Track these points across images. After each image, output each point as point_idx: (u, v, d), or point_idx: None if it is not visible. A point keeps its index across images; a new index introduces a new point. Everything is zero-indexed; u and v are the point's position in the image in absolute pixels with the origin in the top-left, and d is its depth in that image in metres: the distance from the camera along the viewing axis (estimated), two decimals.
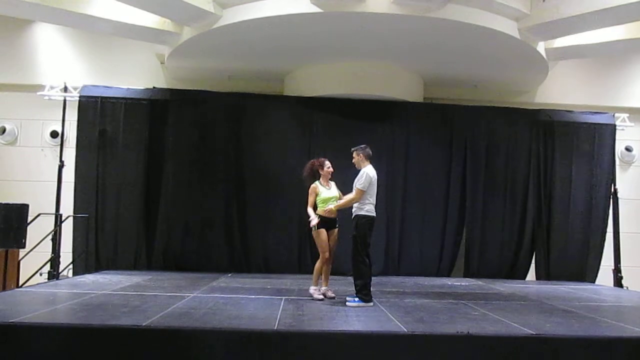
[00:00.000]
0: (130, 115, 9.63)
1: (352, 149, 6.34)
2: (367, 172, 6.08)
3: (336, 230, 6.40)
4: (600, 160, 10.31)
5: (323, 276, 6.44)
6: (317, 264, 6.36)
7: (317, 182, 6.43)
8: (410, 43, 8.81)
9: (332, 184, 6.53)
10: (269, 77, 10.24)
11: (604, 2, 7.62)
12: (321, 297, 6.28)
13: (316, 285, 6.41)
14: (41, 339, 4.24)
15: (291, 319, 5.01)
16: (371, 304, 5.93)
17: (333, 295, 6.42)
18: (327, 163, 6.49)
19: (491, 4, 7.92)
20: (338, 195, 6.40)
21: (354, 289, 6.07)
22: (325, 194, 6.35)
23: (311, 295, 6.34)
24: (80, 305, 5.52)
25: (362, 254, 5.99)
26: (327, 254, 6.25)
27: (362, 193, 6.02)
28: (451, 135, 10.19)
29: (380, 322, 5.01)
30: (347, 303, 5.94)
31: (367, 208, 6.06)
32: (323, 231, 6.25)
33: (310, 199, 6.38)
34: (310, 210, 6.34)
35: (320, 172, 6.44)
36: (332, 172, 6.53)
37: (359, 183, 6.05)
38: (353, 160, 6.30)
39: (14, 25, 10.20)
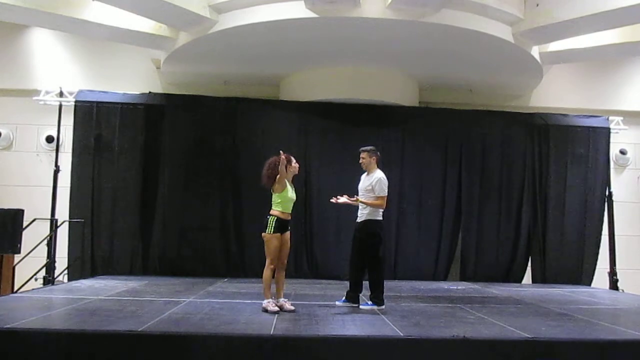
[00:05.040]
0: (126, 121, 9.64)
1: (362, 149, 6.15)
2: (381, 178, 5.98)
3: (288, 233, 5.81)
4: (595, 163, 10.37)
5: (277, 286, 5.78)
6: (266, 273, 5.64)
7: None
8: (405, 48, 8.84)
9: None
10: (265, 82, 10.25)
11: (596, 6, 7.67)
12: (277, 309, 5.56)
13: (269, 297, 5.66)
14: (36, 345, 4.22)
15: (287, 324, 5.00)
16: (384, 307, 5.92)
17: (292, 308, 5.70)
18: (294, 159, 5.87)
19: (485, 9, 7.96)
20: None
21: (346, 292, 6.07)
22: (291, 194, 5.76)
23: (265, 310, 5.57)
24: (76, 310, 5.51)
25: (375, 258, 6.00)
26: (276, 262, 5.64)
27: (385, 199, 5.98)
28: (446, 139, 10.22)
29: (376, 327, 5.01)
30: (361, 306, 5.93)
31: (379, 213, 6.04)
32: (277, 237, 5.63)
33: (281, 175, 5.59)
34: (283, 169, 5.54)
35: (288, 168, 5.74)
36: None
37: (378, 191, 5.93)
38: (361, 161, 6.13)
39: (9, 30, 10.19)
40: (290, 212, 5.82)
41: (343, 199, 6.05)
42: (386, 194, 5.98)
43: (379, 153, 6.19)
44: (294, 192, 5.89)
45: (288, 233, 5.84)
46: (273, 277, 5.75)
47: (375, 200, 5.95)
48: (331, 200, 6.11)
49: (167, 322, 4.89)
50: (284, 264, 5.86)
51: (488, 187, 10.19)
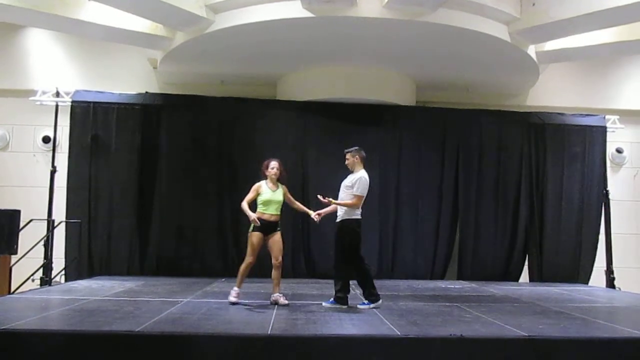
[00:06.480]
0: (122, 121, 9.62)
1: (346, 150, 6.24)
2: (363, 177, 6.02)
3: (277, 234, 6.12)
4: (592, 162, 10.40)
5: (273, 282, 6.14)
6: (242, 265, 6.08)
7: (262, 182, 6.17)
8: (402, 47, 8.85)
9: (281, 188, 6.22)
10: (262, 82, 10.24)
11: (592, 6, 7.69)
12: (235, 300, 6.01)
13: (238, 287, 6.09)
14: (33, 346, 4.21)
15: (284, 324, 5.01)
16: (380, 302, 5.94)
17: (286, 302, 6.07)
18: (273, 164, 6.16)
19: (482, 8, 7.97)
20: (282, 201, 6.17)
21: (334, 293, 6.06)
22: (267, 196, 6.06)
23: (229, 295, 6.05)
24: (73, 311, 5.49)
25: (356, 257, 5.98)
26: (252, 258, 6.00)
27: (361, 199, 5.99)
28: (443, 138, 10.23)
29: (373, 326, 5.02)
30: (358, 306, 5.94)
31: (357, 212, 6.03)
32: (257, 234, 6.01)
33: (249, 196, 6.08)
34: (245, 205, 6.01)
35: (265, 172, 6.17)
36: (281, 175, 6.20)
37: (356, 189, 5.94)
38: (347, 162, 6.20)
39: (6, 30, 10.16)
40: (273, 213, 6.12)
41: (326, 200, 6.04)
42: (363, 195, 6.00)
43: (363, 152, 6.23)
44: (277, 192, 6.16)
45: (277, 234, 6.12)
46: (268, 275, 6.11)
47: (349, 200, 5.96)
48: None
49: (165, 323, 4.88)
50: (279, 263, 6.13)
51: (485, 186, 10.21)
